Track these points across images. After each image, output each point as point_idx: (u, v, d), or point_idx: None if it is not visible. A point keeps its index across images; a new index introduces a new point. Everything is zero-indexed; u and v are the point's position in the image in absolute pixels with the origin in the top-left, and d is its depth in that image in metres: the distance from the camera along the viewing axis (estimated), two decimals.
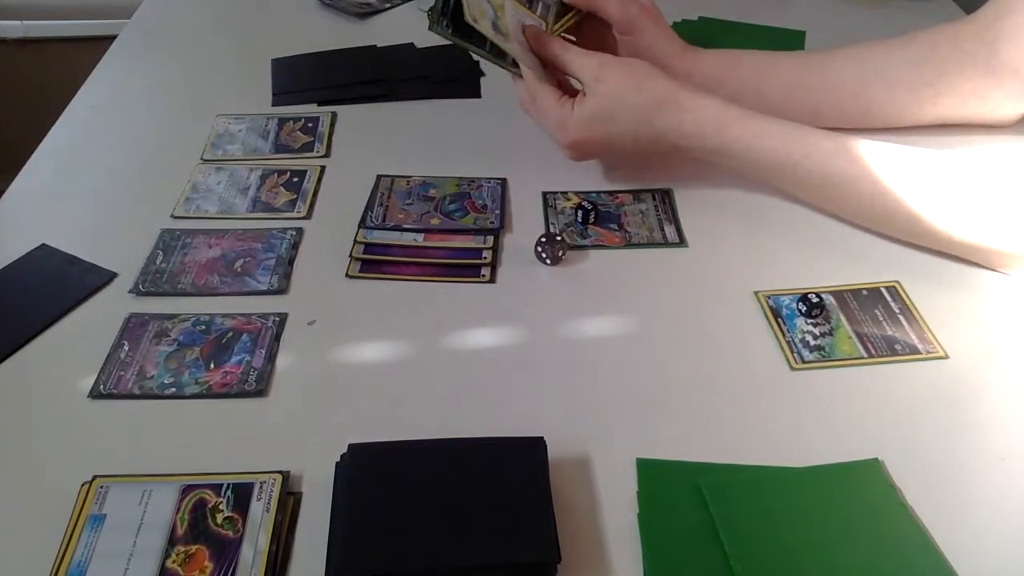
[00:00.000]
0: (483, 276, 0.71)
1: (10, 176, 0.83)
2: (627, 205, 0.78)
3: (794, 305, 0.66)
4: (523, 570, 0.49)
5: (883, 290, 0.68)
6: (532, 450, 0.53)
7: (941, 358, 0.63)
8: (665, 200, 0.79)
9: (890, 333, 0.65)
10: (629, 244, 0.74)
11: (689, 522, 0.52)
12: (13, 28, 1.72)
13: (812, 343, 0.64)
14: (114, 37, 1.10)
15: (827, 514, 0.52)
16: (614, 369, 0.63)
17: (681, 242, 0.74)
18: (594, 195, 0.79)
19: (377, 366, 0.64)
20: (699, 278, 0.71)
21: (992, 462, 0.56)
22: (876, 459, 0.55)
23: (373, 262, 0.72)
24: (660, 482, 0.54)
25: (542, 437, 0.54)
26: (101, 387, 0.61)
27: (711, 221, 0.76)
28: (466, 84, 0.97)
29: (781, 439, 0.57)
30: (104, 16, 1.65)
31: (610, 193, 0.79)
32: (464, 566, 0.48)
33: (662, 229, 0.75)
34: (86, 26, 1.70)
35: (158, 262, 0.72)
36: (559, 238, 0.72)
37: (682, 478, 0.54)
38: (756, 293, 0.68)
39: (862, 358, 0.63)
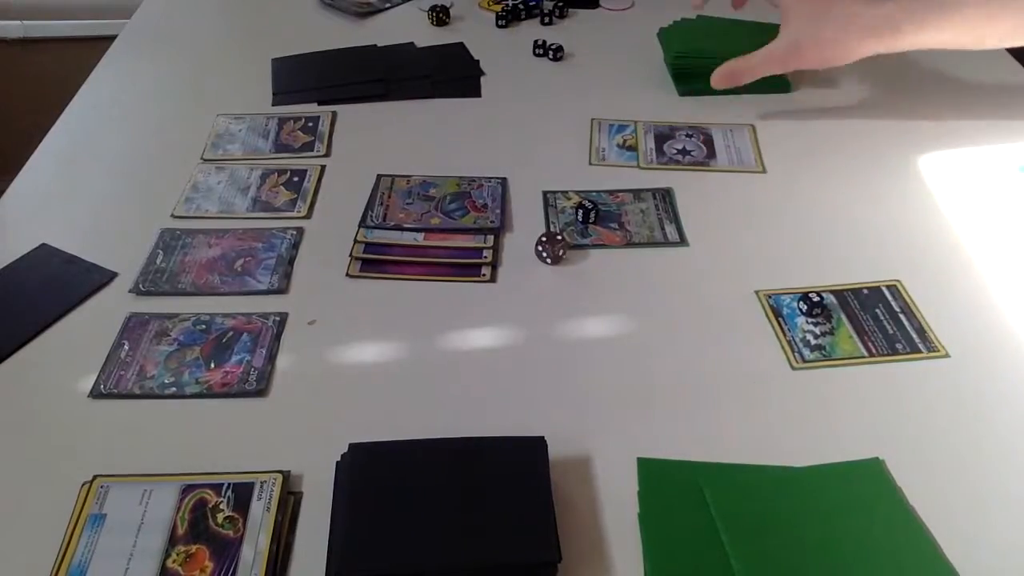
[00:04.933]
0: (483, 276, 0.71)
1: (10, 176, 0.83)
2: (627, 204, 0.78)
3: (795, 304, 0.66)
4: (523, 570, 0.49)
5: (884, 289, 0.68)
6: (532, 450, 0.53)
7: (942, 357, 0.63)
8: (665, 199, 0.79)
9: (891, 332, 0.64)
10: (629, 243, 0.74)
11: (689, 522, 0.52)
12: (13, 28, 1.72)
13: (813, 342, 0.64)
14: (114, 37, 1.10)
15: (828, 513, 0.52)
16: (615, 369, 0.63)
17: (681, 241, 0.74)
18: (594, 194, 0.79)
19: (377, 366, 0.64)
20: (699, 277, 0.71)
21: (993, 461, 0.56)
22: (877, 458, 0.55)
23: (373, 262, 0.72)
24: (660, 482, 0.54)
25: (542, 437, 0.54)
26: (101, 387, 0.61)
27: (711, 220, 0.76)
28: (466, 84, 0.97)
29: (782, 438, 0.57)
30: (104, 16, 1.65)
31: (610, 192, 0.79)
32: (464, 566, 0.48)
33: (662, 228, 0.75)
34: (86, 26, 1.70)
35: (158, 262, 0.72)
36: (559, 237, 0.72)
37: (682, 478, 0.54)
38: (757, 292, 0.68)
39: (863, 357, 0.63)
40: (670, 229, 0.75)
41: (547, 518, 0.50)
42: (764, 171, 0.83)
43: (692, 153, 0.85)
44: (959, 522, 0.52)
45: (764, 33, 0.90)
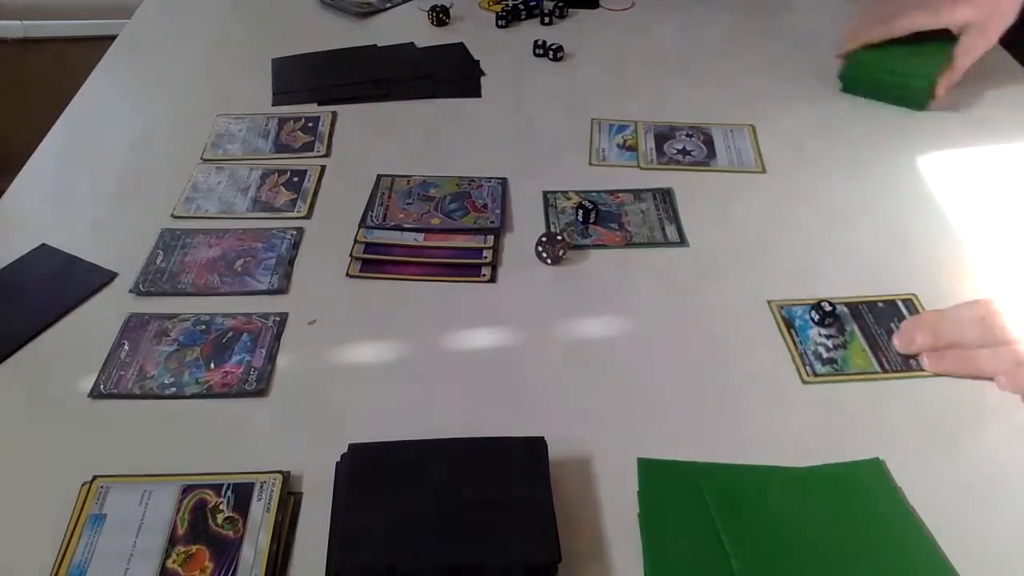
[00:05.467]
0: (483, 276, 0.71)
1: (10, 176, 0.83)
2: (628, 204, 0.78)
3: (807, 316, 0.65)
4: (523, 570, 0.49)
5: (899, 303, 0.66)
6: (533, 450, 0.53)
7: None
8: (665, 199, 0.79)
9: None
10: (630, 243, 0.74)
11: (689, 522, 0.52)
12: (13, 28, 1.72)
13: (825, 355, 0.62)
14: (114, 37, 1.10)
15: (828, 514, 0.52)
16: (614, 369, 0.63)
17: (682, 241, 0.74)
18: (595, 194, 0.79)
19: (377, 366, 0.64)
20: (699, 277, 0.71)
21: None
22: (877, 458, 0.55)
23: (373, 262, 0.72)
24: (660, 482, 0.54)
25: (542, 437, 0.54)
26: (101, 387, 0.61)
27: (711, 220, 0.76)
28: (466, 84, 0.97)
29: (783, 438, 0.57)
30: (104, 16, 1.65)
31: (610, 192, 0.79)
32: (464, 566, 0.48)
33: (662, 228, 0.75)
34: (86, 26, 1.70)
35: (158, 262, 0.72)
36: (560, 238, 0.72)
37: (682, 478, 0.54)
38: (770, 302, 0.67)
39: (876, 372, 0.61)
40: (670, 229, 0.75)
41: (547, 518, 0.50)
42: (764, 171, 0.83)
43: (692, 153, 0.85)
44: (959, 522, 0.52)
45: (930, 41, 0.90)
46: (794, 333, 0.65)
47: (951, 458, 0.56)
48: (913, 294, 0.68)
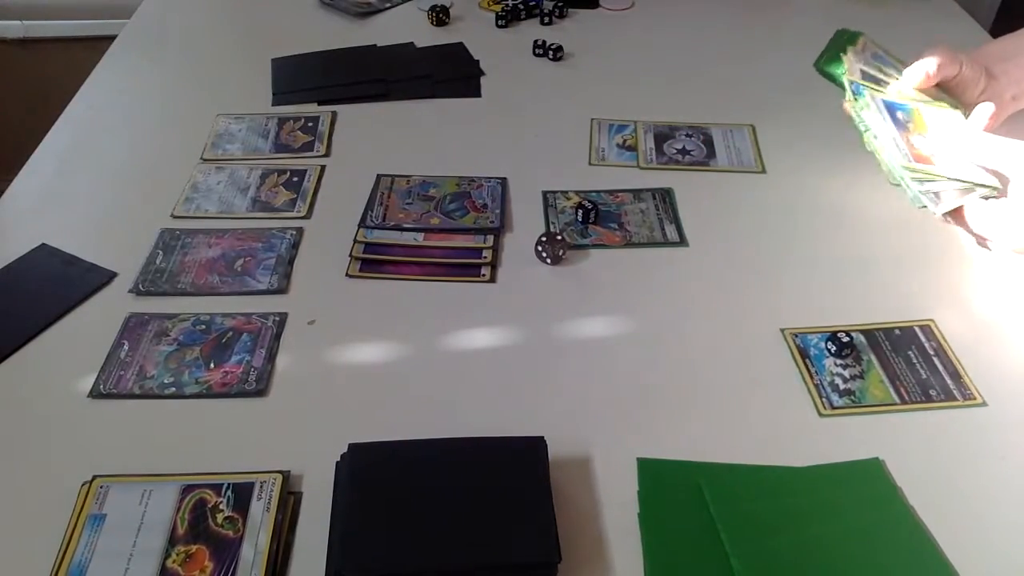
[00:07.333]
0: (483, 276, 0.71)
1: (10, 176, 0.83)
2: (627, 204, 0.78)
3: (823, 345, 0.63)
4: (523, 570, 0.49)
5: (917, 329, 0.65)
6: (532, 450, 0.53)
7: (979, 405, 0.59)
8: (665, 199, 0.79)
9: (924, 377, 0.61)
10: (629, 243, 0.74)
11: (689, 522, 0.52)
12: (13, 28, 1.72)
13: (843, 385, 0.60)
14: (114, 37, 1.10)
15: (828, 513, 0.52)
16: (614, 369, 0.63)
17: (681, 241, 0.74)
18: (594, 194, 0.79)
19: (377, 366, 0.64)
20: (699, 277, 0.71)
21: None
22: (877, 459, 0.55)
23: (373, 262, 0.72)
24: (660, 482, 0.54)
25: (542, 437, 0.54)
26: (101, 387, 0.61)
27: (711, 220, 0.76)
28: (466, 84, 0.97)
29: (782, 437, 0.57)
30: (104, 16, 1.65)
31: (610, 192, 0.79)
32: (464, 566, 0.48)
33: (662, 228, 0.75)
34: (86, 26, 1.70)
35: (158, 262, 0.72)
36: (559, 237, 0.72)
37: (682, 478, 0.54)
38: (783, 330, 0.65)
39: (895, 404, 0.59)
40: (670, 229, 0.75)
41: (547, 518, 0.50)
42: (764, 171, 0.83)
43: (692, 153, 0.85)
44: (959, 522, 0.52)
45: None
46: (801, 348, 0.64)
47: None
48: (931, 319, 0.65)
